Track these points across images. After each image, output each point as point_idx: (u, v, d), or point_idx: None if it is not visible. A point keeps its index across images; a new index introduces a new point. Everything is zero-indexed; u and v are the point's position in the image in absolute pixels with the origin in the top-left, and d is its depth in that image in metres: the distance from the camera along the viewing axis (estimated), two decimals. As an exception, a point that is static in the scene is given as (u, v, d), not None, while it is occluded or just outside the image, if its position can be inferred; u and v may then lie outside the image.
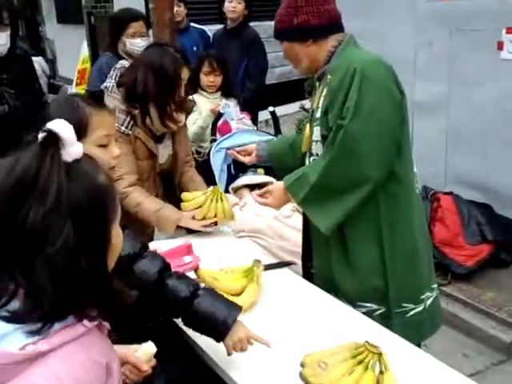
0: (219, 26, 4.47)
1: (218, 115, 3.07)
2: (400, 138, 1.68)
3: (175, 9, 4.11)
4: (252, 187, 2.65)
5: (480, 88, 3.32)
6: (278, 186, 1.89)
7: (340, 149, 1.61)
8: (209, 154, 2.79)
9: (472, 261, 3.12)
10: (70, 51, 8.79)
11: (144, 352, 1.16)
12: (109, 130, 1.48)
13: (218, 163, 2.75)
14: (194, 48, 4.22)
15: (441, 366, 1.41)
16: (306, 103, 5.26)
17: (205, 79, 3.21)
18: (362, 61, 1.64)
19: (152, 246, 1.68)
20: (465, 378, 1.38)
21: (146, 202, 2.09)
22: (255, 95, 3.99)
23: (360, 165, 1.61)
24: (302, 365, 1.29)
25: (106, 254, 0.84)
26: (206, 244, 2.10)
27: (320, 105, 1.73)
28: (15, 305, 0.78)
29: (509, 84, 3.17)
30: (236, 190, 2.73)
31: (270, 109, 3.17)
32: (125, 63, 2.67)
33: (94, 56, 7.46)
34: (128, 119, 2.10)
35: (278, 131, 3.20)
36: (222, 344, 1.37)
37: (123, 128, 2.09)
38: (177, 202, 2.23)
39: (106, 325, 0.93)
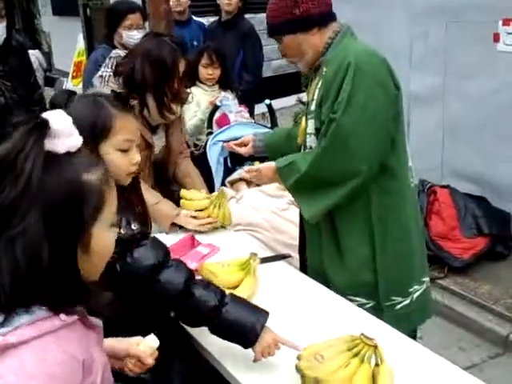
0: (215, 18, 4.44)
1: (215, 108, 3.06)
2: (394, 132, 1.68)
3: None
4: (248, 180, 2.65)
5: (476, 80, 3.31)
6: (268, 165, 1.89)
7: (331, 141, 1.61)
8: (205, 146, 2.78)
9: (468, 254, 3.13)
10: (65, 44, 8.75)
11: (147, 345, 1.16)
12: (131, 135, 1.43)
13: (214, 156, 2.74)
14: (195, 42, 4.16)
15: (437, 359, 1.41)
16: (303, 96, 5.24)
17: (204, 72, 3.21)
18: (356, 54, 1.63)
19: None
20: (461, 370, 1.38)
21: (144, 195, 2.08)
22: (252, 88, 3.97)
23: (350, 158, 1.61)
24: (299, 357, 1.29)
25: (75, 254, 0.80)
26: (203, 238, 2.10)
27: (315, 97, 1.72)
28: None
29: (505, 76, 3.16)
30: (232, 183, 2.73)
31: (267, 102, 3.16)
32: (120, 52, 2.66)
33: (89, 48, 7.43)
34: None
35: (274, 124, 3.20)
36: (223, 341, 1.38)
37: None
38: (169, 194, 2.22)
39: (97, 321, 0.91)
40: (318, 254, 1.83)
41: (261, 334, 1.34)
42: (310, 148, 1.76)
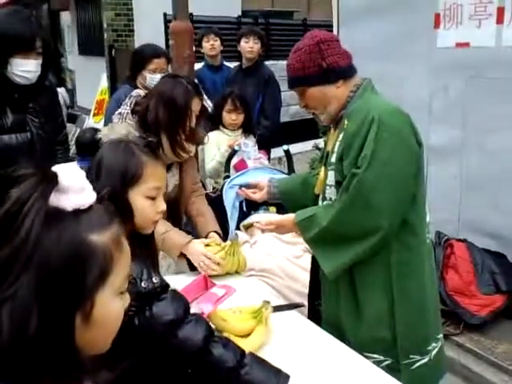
0: (237, 63, 4.54)
1: (233, 152, 3.09)
2: (415, 188, 1.67)
3: (211, 42, 4.21)
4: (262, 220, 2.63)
5: (495, 135, 3.31)
6: (288, 217, 1.87)
7: (353, 197, 1.61)
8: (221, 190, 2.79)
9: (485, 311, 3.04)
10: (89, 82, 8.99)
11: None
12: (160, 183, 1.44)
13: (230, 200, 2.74)
14: None
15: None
16: (320, 142, 5.28)
17: (227, 117, 3.27)
18: (380, 109, 1.63)
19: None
20: None
21: None
22: (270, 133, 4.02)
23: (372, 214, 1.60)
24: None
25: (71, 324, 0.71)
26: (215, 281, 2.07)
27: (336, 149, 1.72)
28: None
29: (524, 132, 3.16)
30: (247, 228, 2.72)
31: (285, 147, 3.18)
32: (140, 92, 2.73)
33: (112, 87, 7.61)
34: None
35: (291, 170, 3.21)
36: None
37: None
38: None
39: None
40: (335, 307, 1.80)
41: None
42: (330, 200, 1.75)
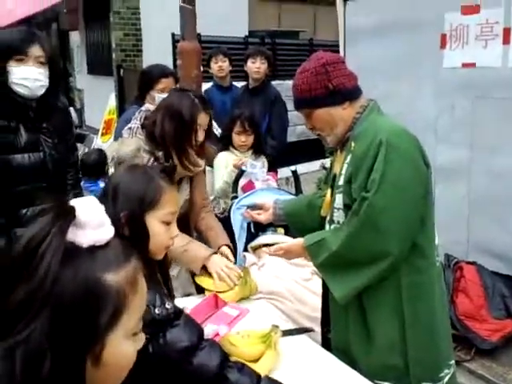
0: (243, 83, 4.56)
1: (241, 172, 3.09)
2: (424, 209, 1.66)
3: (219, 64, 4.24)
4: (271, 246, 2.62)
5: (503, 155, 3.29)
6: (296, 244, 1.86)
7: (363, 221, 1.59)
8: (229, 211, 2.78)
9: (496, 336, 2.99)
10: (97, 101, 9.08)
11: None
12: (175, 208, 1.45)
13: (237, 221, 2.73)
14: None
15: None
16: (327, 162, 5.28)
17: (237, 139, 3.29)
18: (388, 131, 1.63)
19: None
20: None
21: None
22: (277, 153, 4.02)
23: (382, 239, 1.58)
24: None
25: (82, 366, 0.69)
26: (225, 301, 2.05)
27: (343, 172, 1.72)
28: None
29: (533, 153, 3.14)
30: (255, 249, 2.70)
31: (292, 168, 3.18)
32: (150, 106, 2.76)
33: (120, 107, 7.67)
34: (152, 160, 2.13)
35: (299, 191, 3.20)
36: None
37: None
38: None
39: None
40: (344, 333, 1.77)
41: None
42: (338, 223, 1.74)
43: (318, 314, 2.03)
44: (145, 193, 1.37)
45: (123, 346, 0.73)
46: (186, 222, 2.33)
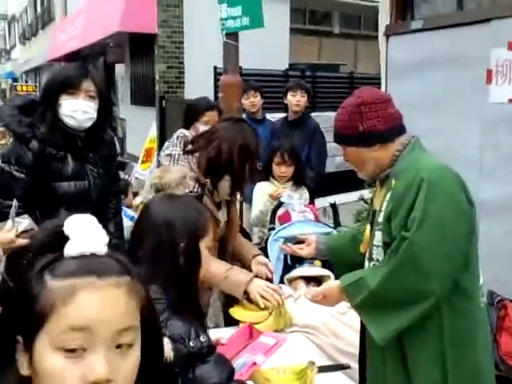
0: (282, 115, 4.60)
1: (279, 203, 3.10)
2: (467, 249, 1.61)
3: (251, 99, 4.30)
4: (308, 279, 2.59)
5: (549, 192, 3.20)
6: (333, 286, 1.83)
7: (403, 259, 1.56)
8: (266, 241, 2.78)
9: (543, 379, 2.86)
10: (139, 130, 9.32)
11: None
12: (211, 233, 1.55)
13: (274, 252, 2.72)
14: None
15: None
16: (366, 194, 5.23)
17: (277, 170, 3.33)
18: (429, 169, 1.60)
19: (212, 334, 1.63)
20: None
21: (213, 265, 2.07)
22: (315, 184, 4.01)
23: (422, 278, 1.54)
24: None
25: (14, 346, 0.73)
26: (260, 330, 2.03)
27: (383, 208, 1.69)
28: None
29: None
30: (291, 281, 2.67)
31: (331, 201, 3.17)
32: (185, 132, 2.84)
33: (161, 136, 7.85)
34: (197, 186, 2.18)
35: (337, 223, 3.17)
36: None
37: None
38: None
39: None
40: (381, 376, 1.71)
41: None
42: (377, 261, 1.71)
43: (354, 349, 1.97)
44: (198, 221, 1.46)
45: (49, 356, 0.69)
46: (225, 245, 2.38)
